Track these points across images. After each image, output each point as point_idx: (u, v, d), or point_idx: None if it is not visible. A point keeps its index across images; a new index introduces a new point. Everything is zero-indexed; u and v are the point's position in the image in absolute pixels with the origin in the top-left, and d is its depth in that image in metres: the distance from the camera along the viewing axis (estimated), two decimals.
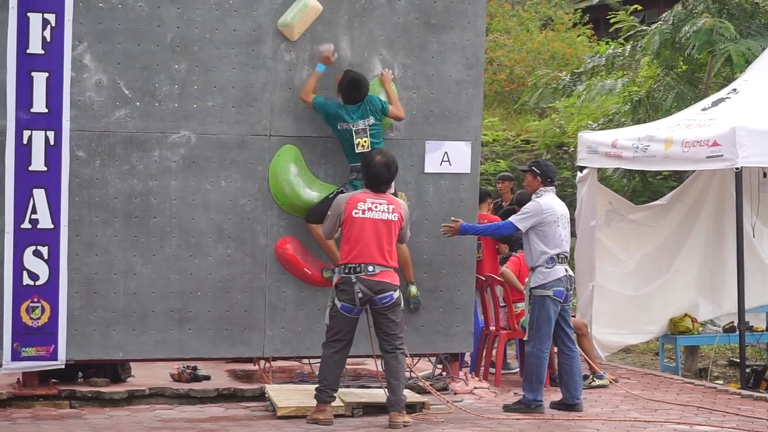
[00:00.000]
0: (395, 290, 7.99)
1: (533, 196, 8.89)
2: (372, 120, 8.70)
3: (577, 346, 9.12)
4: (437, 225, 9.09)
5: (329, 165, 8.96)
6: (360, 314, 8.03)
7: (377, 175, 8.10)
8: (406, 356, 8.22)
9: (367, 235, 7.94)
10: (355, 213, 7.98)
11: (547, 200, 8.78)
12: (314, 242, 8.88)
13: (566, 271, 8.77)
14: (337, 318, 7.98)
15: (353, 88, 8.72)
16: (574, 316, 11.19)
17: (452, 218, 8.99)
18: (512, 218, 8.87)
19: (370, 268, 7.91)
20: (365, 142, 8.66)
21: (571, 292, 8.93)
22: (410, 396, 8.41)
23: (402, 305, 8.10)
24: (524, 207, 8.91)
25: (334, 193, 8.70)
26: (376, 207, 8.02)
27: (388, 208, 8.04)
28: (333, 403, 8.08)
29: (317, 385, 8.03)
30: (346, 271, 7.95)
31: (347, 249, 7.98)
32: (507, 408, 8.65)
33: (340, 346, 8.00)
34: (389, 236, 8.01)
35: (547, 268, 8.67)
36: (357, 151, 8.63)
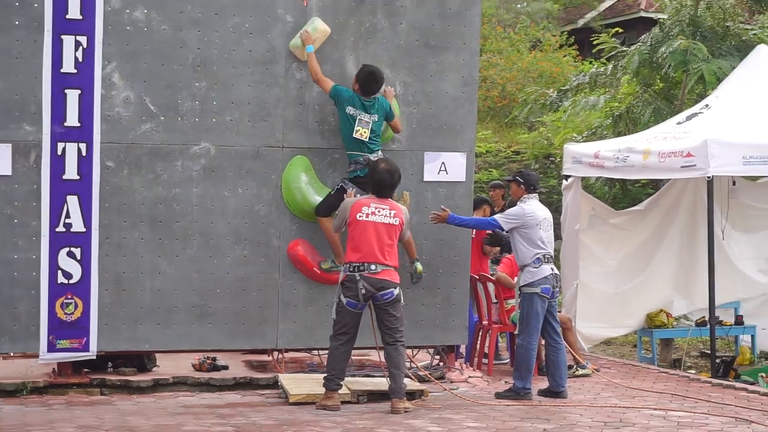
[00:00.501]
0: (395, 287, 8.00)
1: (519, 202, 8.93)
2: (376, 117, 8.66)
3: (563, 339, 9.12)
4: (436, 228, 9.09)
5: (336, 174, 8.95)
6: (363, 309, 8.04)
7: (381, 182, 8.10)
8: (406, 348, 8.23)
9: (370, 236, 7.95)
10: (360, 216, 7.99)
11: (530, 206, 8.81)
12: (324, 244, 8.87)
13: (552, 270, 8.77)
14: (343, 313, 7.99)
15: (371, 79, 8.66)
16: (560, 312, 11.22)
17: (441, 207, 8.96)
18: (497, 216, 9.01)
19: (373, 267, 7.92)
20: (364, 132, 8.57)
21: (557, 289, 8.93)
22: (410, 384, 8.41)
23: (402, 301, 8.10)
24: (509, 210, 9.00)
25: (337, 187, 8.66)
26: (379, 211, 8.03)
27: (390, 213, 8.05)
28: (340, 391, 8.09)
29: (325, 375, 8.05)
30: (351, 269, 7.95)
31: (352, 249, 7.99)
32: (499, 395, 8.65)
33: (346, 339, 8.01)
34: (390, 238, 8.02)
35: (534, 267, 8.69)
36: (353, 136, 8.56)
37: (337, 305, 8.03)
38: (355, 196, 8.43)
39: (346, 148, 8.71)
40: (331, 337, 8.09)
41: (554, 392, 8.73)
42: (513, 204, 10.09)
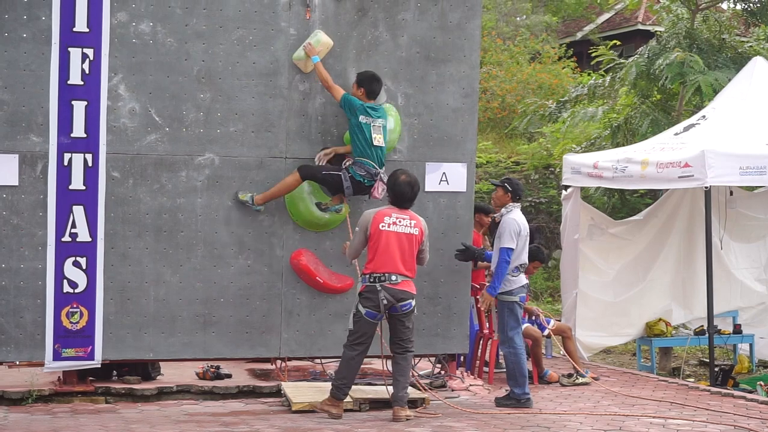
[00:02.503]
0: (413, 298, 7.96)
1: (503, 210, 8.85)
2: (384, 122, 8.68)
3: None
4: (437, 238, 9.08)
5: None
6: (381, 319, 7.97)
7: (402, 194, 8.05)
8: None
9: (392, 247, 7.89)
10: (382, 226, 7.94)
11: (519, 218, 8.79)
12: (327, 254, 8.87)
13: (525, 278, 8.88)
14: (361, 323, 7.90)
15: (375, 79, 8.67)
16: (559, 320, 11.22)
17: (479, 296, 9.13)
18: (503, 245, 8.67)
19: (394, 278, 7.86)
20: (380, 138, 8.61)
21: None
22: (412, 392, 8.38)
23: (415, 312, 8.06)
24: (504, 226, 8.74)
25: (336, 171, 8.56)
26: (400, 222, 7.99)
27: (410, 223, 8.01)
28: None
29: (335, 382, 7.95)
30: (372, 280, 7.87)
31: (373, 259, 7.91)
32: (499, 402, 8.61)
33: (362, 349, 7.93)
34: (411, 249, 7.97)
35: (513, 276, 8.71)
36: (374, 144, 8.53)
37: (355, 315, 7.93)
38: (341, 202, 8.59)
39: (357, 154, 8.58)
40: (346, 346, 7.97)
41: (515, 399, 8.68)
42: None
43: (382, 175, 8.56)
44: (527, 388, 8.62)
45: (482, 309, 9.15)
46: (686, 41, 14.60)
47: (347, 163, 8.61)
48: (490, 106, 22.05)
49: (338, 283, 8.88)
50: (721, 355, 12.42)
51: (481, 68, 18.67)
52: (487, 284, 8.99)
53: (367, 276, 7.91)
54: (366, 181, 8.55)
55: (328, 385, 8.10)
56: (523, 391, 8.58)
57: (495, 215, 11.12)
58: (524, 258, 8.81)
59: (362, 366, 9.46)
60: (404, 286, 7.91)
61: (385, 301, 7.83)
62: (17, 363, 8.74)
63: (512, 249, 8.66)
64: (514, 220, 8.74)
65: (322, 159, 8.74)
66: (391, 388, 8.00)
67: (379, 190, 8.58)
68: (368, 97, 8.62)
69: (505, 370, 10.54)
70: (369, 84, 8.64)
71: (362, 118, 8.51)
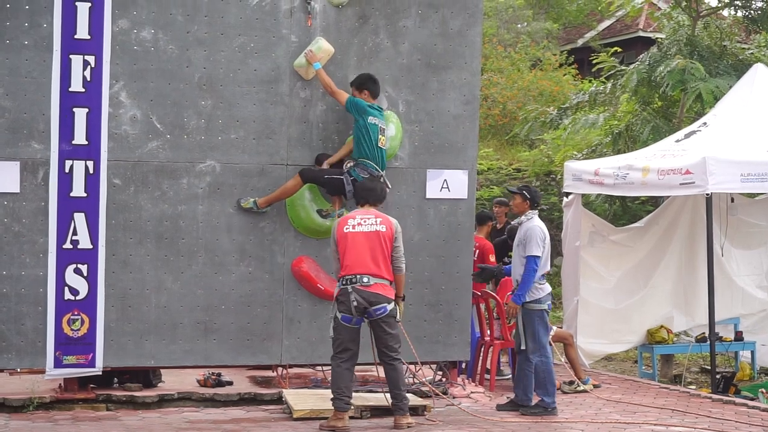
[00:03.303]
0: (389, 302, 7.80)
1: (523, 217, 8.82)
2: (385, 125, 8.70)
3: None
4: (438, 245, 9.08)
5: None
6: (360, 324, 7.85)
7: (363, 187, 8.09)
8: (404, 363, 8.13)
9: (360, 247, 7.79)
10: (346, 229, 7.86)
11: (541, 224, 8.73)
12: (327, 261, 8.86)
13: (549, 286, 8.81)
14: (339, 329, 7.84)
15: (373, 80, 8.69)
16: (560, 327, 11.20)
17: (504, 309, 9.19)
18: (531, 253, 8.56)
19: (365, 279, 7.75)
20: (384, 140, 8.62)
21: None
22: (412, 399, 8.37)
23: (397, 317, 7.91)
24: (530, 234, 8.65)
25: (337, 175, 8.55)
26: (365, 221, 7.88)
27: (376, 221, 7.90)
28: None
29: (332, 394, 7.86)
30: (344, 282, 7.79)
31: (343, 263, 7.82)
32: (524, 412, 8.53)
33: (347, 357, 7.84)
34: (381, 247, 7.82)
35: (540, 284, 8.64)
36: (379, 146, 8.52)
37: (333, 322, 7.88)
38: (342, 206, 8.61)
39: (360, 156, 8.53)
40: (332, 356, 7.92)
41: (519, 404, 8.68)
42: (512, 230, 10.03)
43: (384, 177, 8.55)
44: (555, 396, 8.60)
45: (507, 319, 9.00)
46: (687, 48, 14.61)
47: (348, 166, 8.59)
48: (491, 113, 22.05)
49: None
50: (722, 363, 12.39)
51: (482, 75, 18.68)
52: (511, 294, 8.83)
53: (340, 280, 7.83)
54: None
55: (330, 393, 8.08)
56: (553, 399, 8.57)
57: (494, 221, 11.09)
58: (548, 266, 8.75)
59: (363, 373, 9.50)
60: (377, 288, 7.76)
61: (355, 303, 7.70)
62: (18, 370, 8.71)
63: (540, 257, 8.57)
64: (538, 227, 8.67)
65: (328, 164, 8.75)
66: (389, 396, 7.95)
67: None
68: (372, 98, 8.64)
69: (507, 377, 10.58)
70: (372, 85, 8.67)
71: (371, 119, 8.51)
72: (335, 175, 8.57)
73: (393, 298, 7.87)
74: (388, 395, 7.99)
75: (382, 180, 8.52)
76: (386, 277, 7.85)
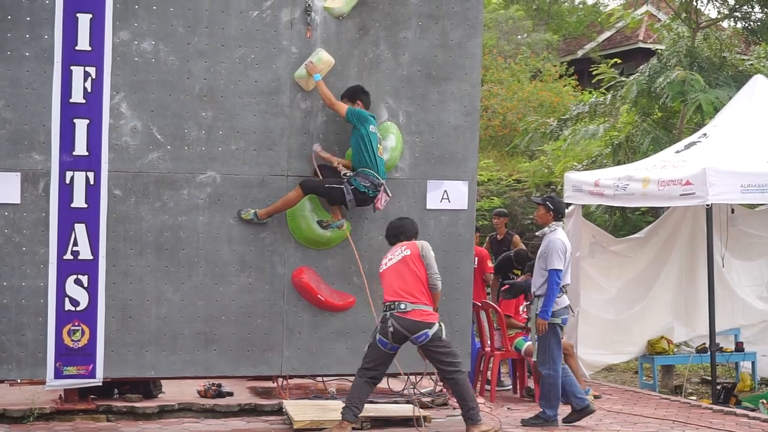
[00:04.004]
0: (429, 327, 7.84)
1: (546, 228, 8.71)
2: (383, 135, 8.74)
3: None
4: (439, 256, 8.99)
5: None
6: (395, 351, 7.89)
7: (387, 231, 8.24)
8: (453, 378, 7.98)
9: (392, 277, 7.92)
10: (381, 269, 8.06)
11: (564, 237, 8.65)
12: (329, 272, 8.86)
13: (567, 299, 8.69)
14: (372, 347, 7.92)
15: (366, 92, 8.73)
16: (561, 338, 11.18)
17: (529, 326, 9.13)
18: (552, 267, 8.50)
19: (402, 306, 7.82)
20: (382, 149, 8.65)
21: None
22: (412, 411, 8.33)
23: (443, 335, 7.91)
24: (551, 247, 8.55)
25: (337, 185, 8.54)
26: (394, 255, 8.03)
27: (401, 250, 8.03)
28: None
29: (345, 404, 7.89)
30: (384, 309, 7.92)
31: (384, 293, 7.97)
32: (525, 422, 8.52)
33: (371, 375, 7.89)
34: (410, 270, 7.91)
35: (557, 297, 8.57)
36: (377, 155, 8.54)
37: (372, 338, 7.97)
38: (342, 216, 8.63)
39: (361, 165, 8.53)
40: (359, 369, 7.96)
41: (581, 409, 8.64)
42: (519, 256, 9.97)
43: (385, 186, 8.57)
44: (557, 411, 8.57)
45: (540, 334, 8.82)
46: (687, 59, 14.63)
47: (348, 175, 8.60)
48: (492, 124, 22.06)
49: (340, 301, 8.87)
50: (723, 373, 12.38)
51: (482, 86, 18.70)
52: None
53: (383, 306, 7.96)
54: (370, 191, 8.54)
55: (330, 404, 8.08)
56: (555, 413, 8.53)
57: (493, 233, 11.06)
58: (568, 278, 8.66)
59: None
60: (416, 315, 7.81)
61: (392, 329, 7.76)
62: (18, 381, 8.70)
63: (561, 270, 8.50)
64: (560, 239, 8.59)
65: (318, 154, 8.72)
66: (392, 406, 7.91)
67: (383, 201, 8.59)
68: (365, 108, 8.66)
69: (507, 388, 10.58)
70: (365, 96, 8.71)
71: (372, 128, 8.54)
72: (335, 184, 8.57)
73: (434, 321, 7.89)
74: (391, 405, 7.97)
75: (383, 187, 8.54)
76: (424, 302, 7.89)
